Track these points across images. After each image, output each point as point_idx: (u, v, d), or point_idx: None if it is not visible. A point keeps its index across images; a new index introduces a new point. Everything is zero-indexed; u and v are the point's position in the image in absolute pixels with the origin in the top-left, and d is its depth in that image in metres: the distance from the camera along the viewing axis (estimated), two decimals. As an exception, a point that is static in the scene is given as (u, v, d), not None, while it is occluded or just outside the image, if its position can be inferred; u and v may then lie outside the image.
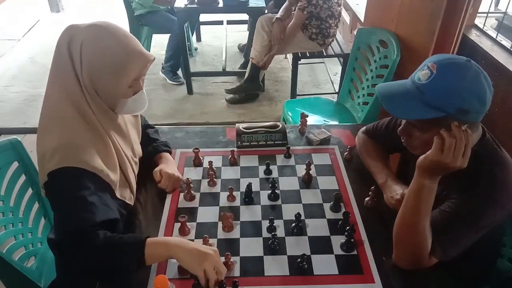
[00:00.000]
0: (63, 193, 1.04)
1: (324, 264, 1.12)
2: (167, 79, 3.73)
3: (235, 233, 1.22)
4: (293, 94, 3.21)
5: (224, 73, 3.84)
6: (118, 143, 1.18)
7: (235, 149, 1.55)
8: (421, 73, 1.00)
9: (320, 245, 1.18)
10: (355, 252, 1.15)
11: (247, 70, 3.32)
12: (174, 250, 1.01)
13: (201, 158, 1.51)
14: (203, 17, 4.36)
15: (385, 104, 1.05)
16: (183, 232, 1.20)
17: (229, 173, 1.46)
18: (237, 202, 1.33)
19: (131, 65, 1.08)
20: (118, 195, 1.17)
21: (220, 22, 4.52)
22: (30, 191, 1.45)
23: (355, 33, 2.43)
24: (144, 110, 1.23)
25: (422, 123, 1.03)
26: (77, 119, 1.07)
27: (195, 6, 3.21)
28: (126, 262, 1.00)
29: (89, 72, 1.06)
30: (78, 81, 1.06)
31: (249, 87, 3.38)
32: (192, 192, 1.35)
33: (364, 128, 1.52)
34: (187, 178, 1.33)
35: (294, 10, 3.06)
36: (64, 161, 1.02)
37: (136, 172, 1.32)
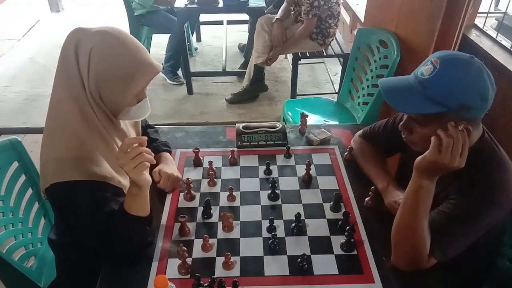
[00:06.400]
0: (77, 207, 1.04)
1: (324, 264, 1.12)
2: (167, 79, 3.72)
3: (235, 233, 1.22)
4: (293, 94, 3.21)
5: (224, 73, 3.84)
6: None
7: (235, 149, 1.55)
8: (424, 68, 1.01)
9: (320, 245, 1.18)
10: (355, 252, 1.15)
11: (247, 72, 3.31)
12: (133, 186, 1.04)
13: (201, 158, 1.50)
14: (203, 17, 4.35)
15: (387, 98, 1.06)
16: (183, 232, 1.20)
17: (229, 173, 1.46)
18: (237, 202, 1.33)
19: (140, 77, 1.07)
20: None
21: (220, 22, 4.52)
22: (30, 191, 1.45)
23: (355, 33, 2.43)
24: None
25: (423, 117, 1.03)
26: (84, 126, 1.06)
27: (195, 6, 3.21)
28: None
29: (96, 79, 1.04)
30: (83, 85, 1.04)
31: (255, 89, 3.40)
32: (192, 192, 1.34)
33: (360, 131, 1.50)
34: (187, 178, 1.33)
35: (293, 10, 3.06)
36: (73, 174, 1.02)
37: None
